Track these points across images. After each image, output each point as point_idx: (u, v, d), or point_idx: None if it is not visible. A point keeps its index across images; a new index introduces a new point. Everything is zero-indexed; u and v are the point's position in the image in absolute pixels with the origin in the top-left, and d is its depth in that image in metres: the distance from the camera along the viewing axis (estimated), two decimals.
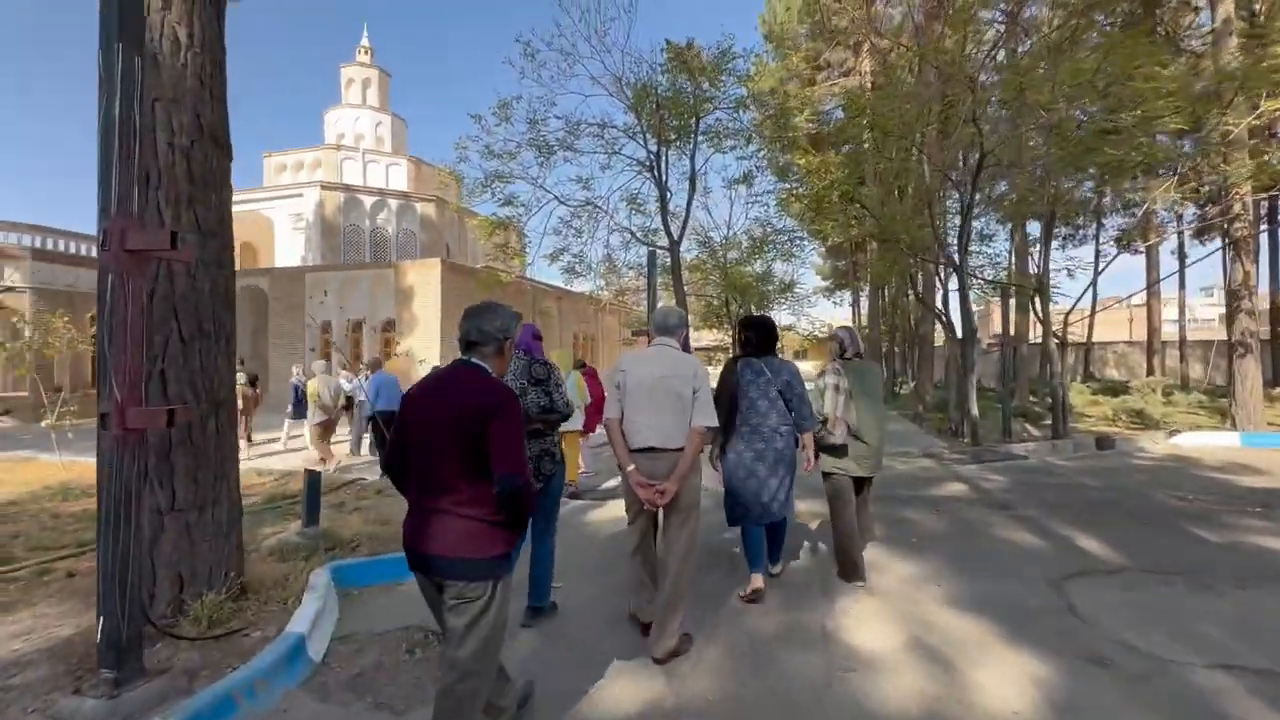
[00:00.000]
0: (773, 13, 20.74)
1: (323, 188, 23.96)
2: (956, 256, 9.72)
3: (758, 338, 3.44)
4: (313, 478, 4.30)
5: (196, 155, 3.12)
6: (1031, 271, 13.89)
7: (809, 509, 5.42)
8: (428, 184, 26.59)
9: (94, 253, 18.47)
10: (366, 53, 30.91)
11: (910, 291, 15.83)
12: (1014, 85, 7.92)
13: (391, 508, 5.15)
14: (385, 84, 30.81)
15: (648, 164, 13.78)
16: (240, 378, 10.82)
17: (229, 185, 3.41)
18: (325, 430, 8.19)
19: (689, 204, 13.78)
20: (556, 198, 14.21)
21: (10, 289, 16.20)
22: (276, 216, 24.77)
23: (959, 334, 10.15)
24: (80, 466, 7.41)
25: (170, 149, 3.02)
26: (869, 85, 16.51)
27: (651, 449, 2.79)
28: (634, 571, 3.04)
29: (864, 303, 31.70)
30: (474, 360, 1.92)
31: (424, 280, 17.39)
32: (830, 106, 17.50)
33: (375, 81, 30.17)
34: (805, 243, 17.39)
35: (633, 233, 14.40)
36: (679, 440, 2.77)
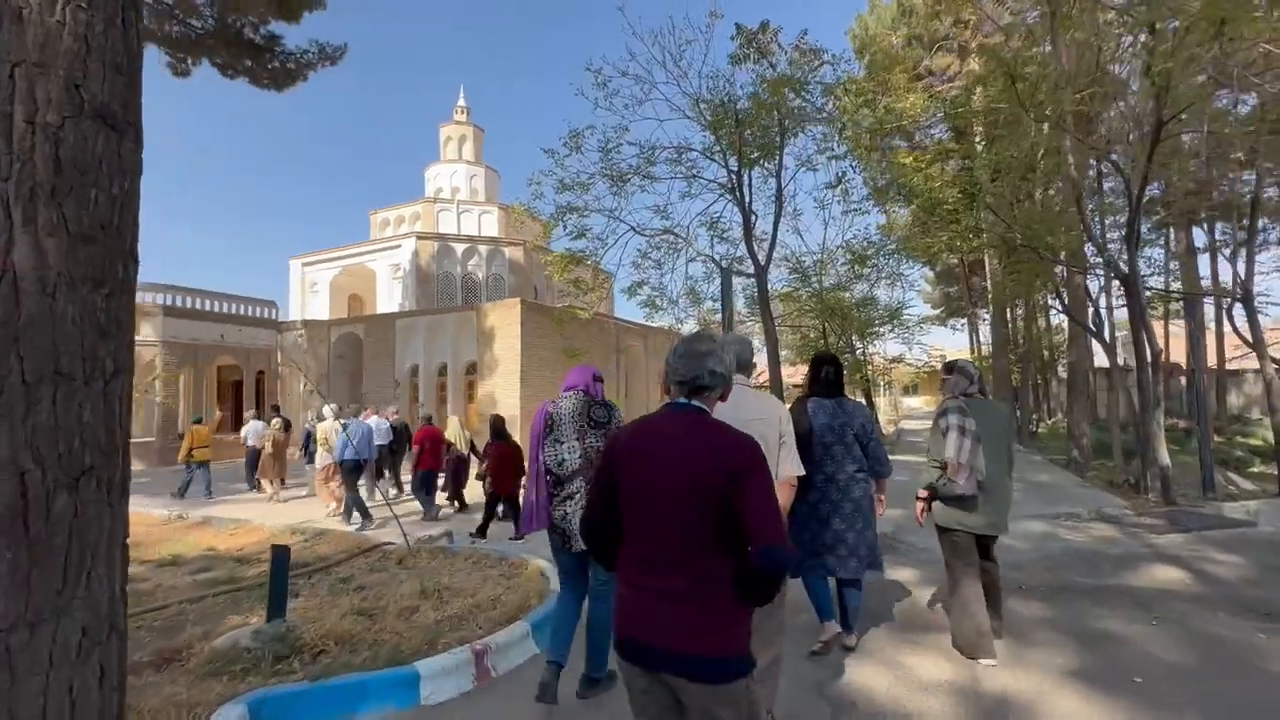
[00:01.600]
0: (864, 26, 19.38)
1: (418, 238, 24.97)
2: (1124, 262, 7.64)
3: (836, 374, 3.24)
4: (280, 555, 3.39)
5: (69, 137, 2.34)
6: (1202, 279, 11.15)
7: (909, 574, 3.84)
8: (517, 230, 27.14)
9: (215, 307, 20.06)
10: (463, 112, 32.72)
11: (1051, 309, 13.34)
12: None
13: (399, 587, 4.17)
14: (480, 139, 32.36)
15: (729, 185, 12.73)
16: (275, 423, 10.55)
17: (131, 176, 2.62)
18: (331, 475, 7.85)
19: (775, 225, 12.48)
20: (633, 228, 13.46)
21: None
22: (378, 268, 26.11)
23: (1120, 359, 7.99)
24: None
25: (29, 128, 2.26)
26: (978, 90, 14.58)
27: None
28: None
29: (984, 329, 28.39)
30: (697, 404, 1.61)
31: (504, 321, 17.15)
32: (932, 121, 15.66)
33: (470, 137, 31.74)
34: (910, 263, 15.46)
35: (715, 260, 13.24)
36: None
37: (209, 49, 15.54)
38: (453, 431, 8.03)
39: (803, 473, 2.57)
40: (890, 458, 3.44)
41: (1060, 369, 25.49)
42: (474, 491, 8.44)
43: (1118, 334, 17.54)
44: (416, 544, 5.47)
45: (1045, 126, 7.63)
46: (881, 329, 15.78)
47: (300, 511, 8.68)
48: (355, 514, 7.40)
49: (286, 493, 9.74)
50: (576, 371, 3.17)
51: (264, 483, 9.74)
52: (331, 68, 16.87)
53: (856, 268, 13.33)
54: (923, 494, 3.24)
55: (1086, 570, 4.80)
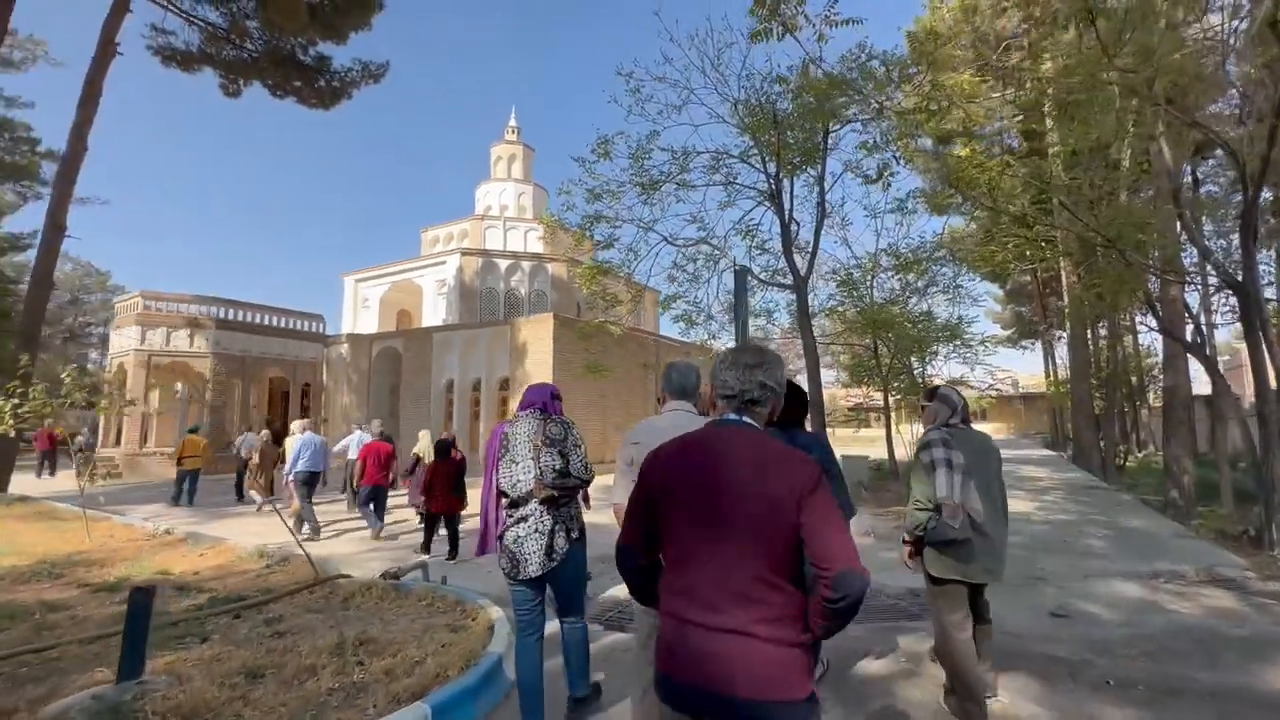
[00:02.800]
0: (923, 28, 18.20)
1: (462, 253, 25.14)
2: (1236, 267, 6.30)
3: (791, 402, 2.84)
4: (139, 602, 2.77)
5: None
6: None
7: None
8: (558, 245, 27.00)
9: (265, 320, 20.60)
10: (513, 132, 33.22)
11: (1141, 327, 11.69)
12: None
13: (319, 637, 3.50)
14: (529, 158, 32.72)
15: (768, 192, 11.86)
16: (263, 435, 10.45)
17: None
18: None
19: (817, 233, 11.50)
20: (665, 238, 12.75)
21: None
22: (425, 284, 26.45)
23: (1221, 383, 6.55)
24: (105, 532, 6.90)
25: None
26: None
27: None
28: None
29: (1061, 351, 25.99)
30: (749, 420, 1.46)
31: (537, 336, 16.74)
32: (998, 126, 14.27)
33: (520, 156, 32.13)
34: (970, 274, 14.04)
35: (751, 272, 12.32)
36: None
37: (260, 71, 16.09)
38: (421, 446, 7.74)
39: None
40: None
41: (1152, 395, 22.91)
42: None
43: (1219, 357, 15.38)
44: (386, 574, 4.83)
45: (1134, 101, 6.39)
46: (939, 348, 14.35)
47: (283, 529, 8.34)
48: (305, 526, 7.58)
49: (282, 507, 9.43)
50: (534, 389, 3.06)
51: (254, 493, 9.61)
52: (375, 85, 17.25)
53: (904, 275, 12.09)
54: (909, 539, 2.97)
55: (1204, 660, 3.62)
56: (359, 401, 20.81)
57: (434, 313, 25.58)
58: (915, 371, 15.06)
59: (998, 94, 8.83)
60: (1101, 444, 17.35)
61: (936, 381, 16.22)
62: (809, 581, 1.33)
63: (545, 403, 2.97)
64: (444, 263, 25.79)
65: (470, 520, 7.52)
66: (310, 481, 7.88)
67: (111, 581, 4.86)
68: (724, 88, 11.50)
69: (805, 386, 12.48)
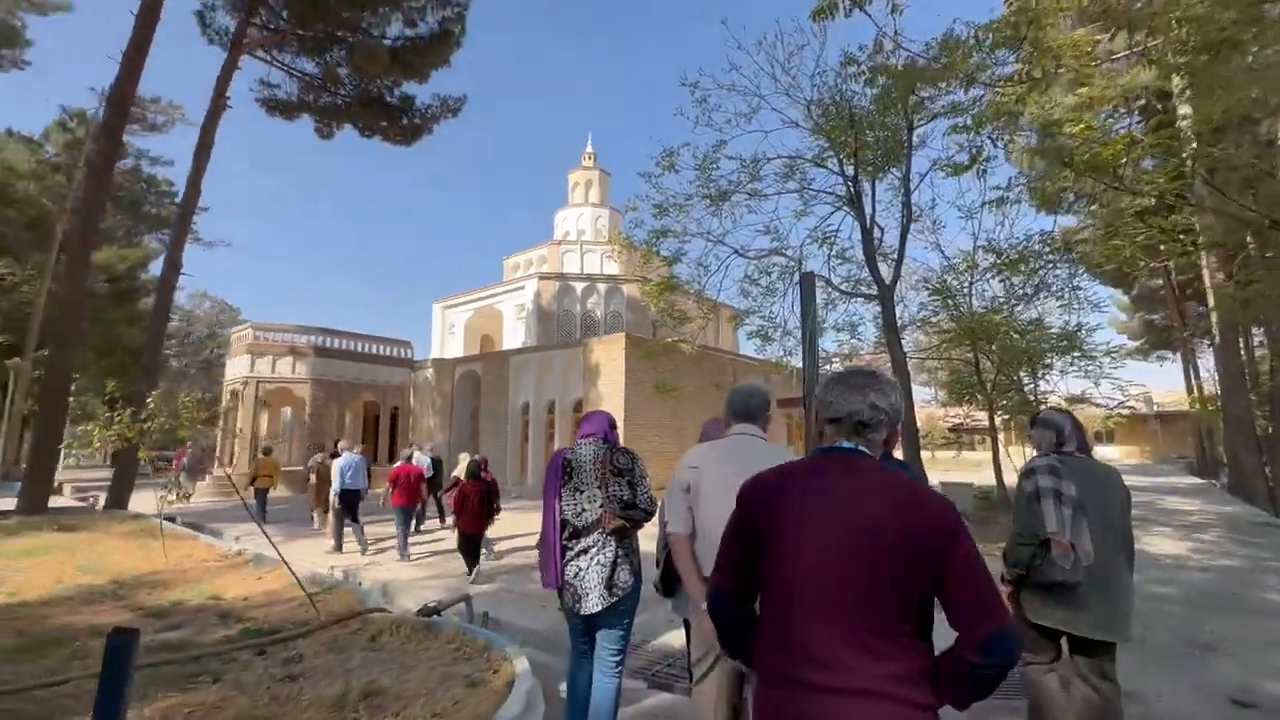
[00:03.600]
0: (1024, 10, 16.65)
1: (540, 278, 25.63)
2: None
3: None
4: (117, 648, 2.53)
5: None
6: None
7: None
8: (634, 266, 26.98)
9: (358, 347, 21.78)
10: (590, 158, 33.91)
11: None
12: None
13: (326, 685, 3.19)
14: (605, 182, 33.18)
15: (846, 196, 11.02)
16: (318, 456, 10.76)
17: None
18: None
19: (903, 237, 10.49)
20: (735, 250, 12.16)
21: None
22: (505, 309, 27.21)
23: None
24: (181, 550, 7.12)
25: None
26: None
27: None
28: None
29: (1206, 362, 22.58)
30: (862, 449, 1.30)
31: (609, 357, 16.51)
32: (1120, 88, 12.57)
33: (596, 181, 32.65)
34: (1087, 275, 12.38)
35: (829, 281, 11.46)
36: None
37: (350, 114, 17.20)
38: (462, 469, 7.79)
39: None
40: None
41: None
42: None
43: None
44: (425, 609, 4.55)
45: None
46: (1055, 360, 12.70)
47: (346, 551, 8.54)
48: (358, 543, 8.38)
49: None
50: (594, 417, 3.03)
51: (315, 514, 9.92)
52: (453, 118, 17.98)
53: (1008, 275, 10.74)
54: (1008, 580, 2.57)
55: None
56: (442, 424, 21.47)
57: (514, 337, 26.18)
58: (1026, 388, 13.41)
59: (1120, 54, 7.58)
60: (1268, 470, 14.66)
61: (1053, 399, 14.40)
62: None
63: (606, 431, 2.93)
64: (522, 288, 26.43)
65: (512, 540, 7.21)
66: (353, 501, 8.31)
67: (165, 605, 4.86)
68: (796, 91, 10.90)
69: None
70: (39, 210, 24.59)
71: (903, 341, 10.59)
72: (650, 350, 13.66)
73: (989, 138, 8.36)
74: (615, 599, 2.64)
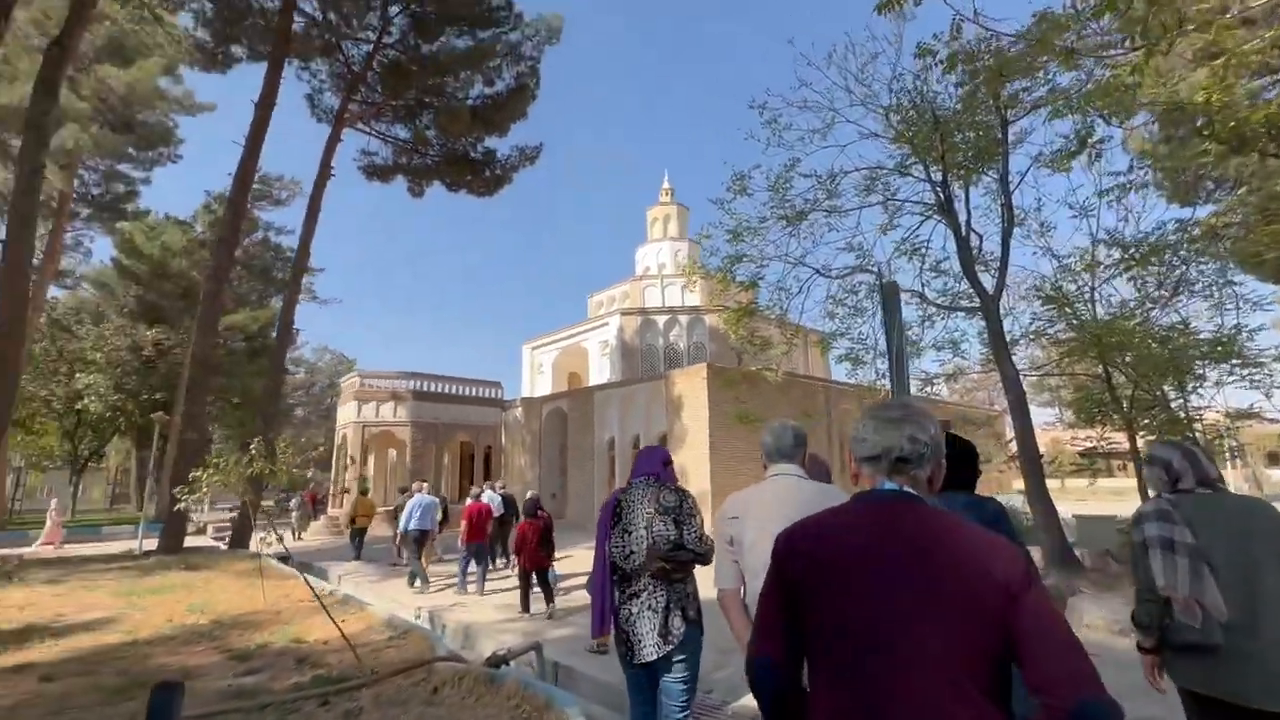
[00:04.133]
0: None
1: (622, 314, 25.88)
2: None
3: (959, 463, 2.05)
4: (159, 704, 2.49)
5: None
6: None
7: None
8: (715, 295, 26.68)
9: (452, 390, 22.79)
10: (667, 194, 34.38)
11: None
12: None
13: None
14: (684, 216, 33.41)
15: (936, 204, 10.20)
16: (402, 498, 10.89)
17: None
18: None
19: (1005, 242, 9.47)
20: (817, 270, 11.55)
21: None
22: (590, 346, 27.66)
23: None
24: (280, 590, 7.40)
25: None
26: None
27: None
28: None
29: None
30: (907, 490, 1.17)
31: (691, 388, 16.14)
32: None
33: (674, 216, 32.97)
34: (1240, 270, 10.62)
35: (923, 295, 10.56)
36: None
37: (439, 172, 18.40)
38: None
39: None
40: None
41: None
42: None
43: None
44: (493, 657, 4.37)
45: None
46: (1207, 370, 10.94)
47: (427, 594, 8.71)
48: (418, 580, 8.85)
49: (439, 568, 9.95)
50: (645, 455, 2.91)
51: (399, 552, 10.32)
52: (531, 166, 18.78)
53: (1139, 272, 9.39)
54: (1145, 644, 2.22)
55: None
56: (532, 461, 21.86)
57: (599, 373, 26.48)
58: (1173, 403, 11.61)
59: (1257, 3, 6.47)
60: None
61: (1210, 416, 12.37)
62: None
63: (658, 470, 2.81)
64: (606, 324, 26.79)
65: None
66: (420, 539, 8.90)
67: (251, 648, 4.98)
68: (872, 101, 10.36)
69: (1010, 426, 10.16)
70: (189, 283, 28.15)
71: (1014, 358, 9.47)
72: (729, 379, 13.19)
73: (1100, 116, 7.38)
74: (671, 646, 2.48)
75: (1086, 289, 11.11)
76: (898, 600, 1.03)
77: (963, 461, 2.25)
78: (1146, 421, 11.30)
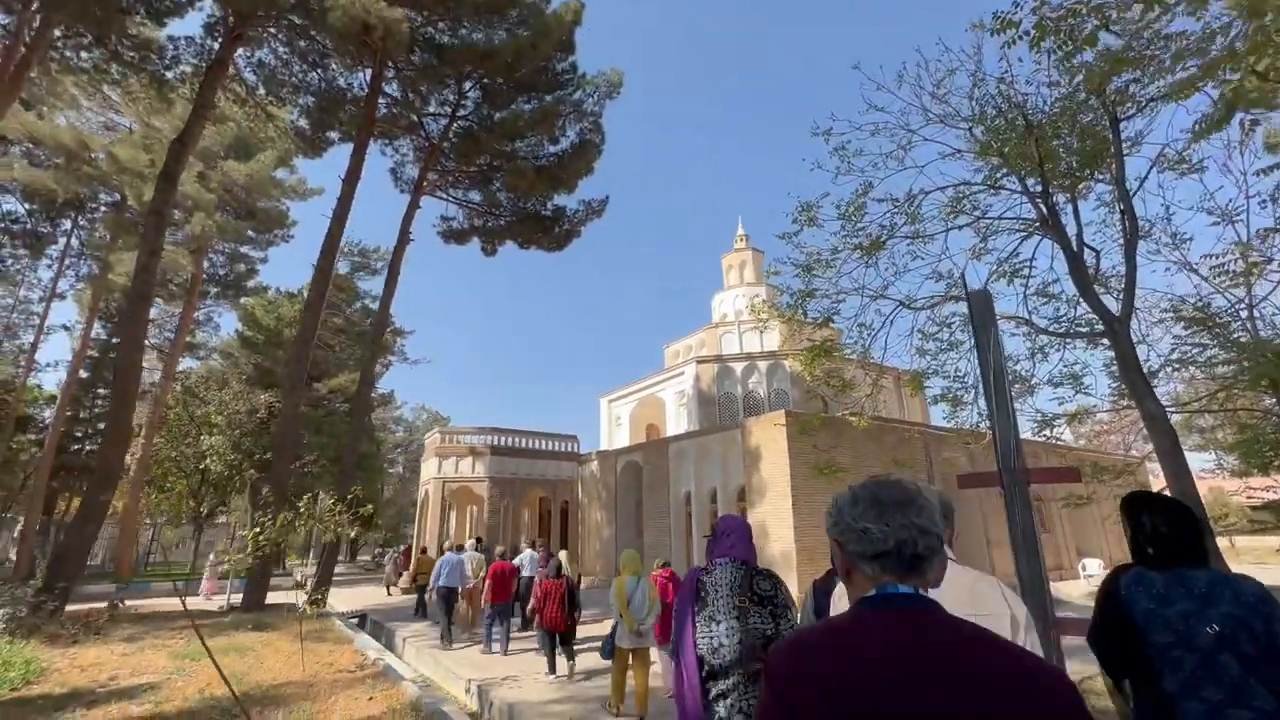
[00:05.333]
0: None
1: (698, 362, 25.20)
2: None
3: (1173, 528, 1.88)
4: None
5: None
6: None
7: None
8: (791, 339, 25.51)
9: (528, 444, 22.75)
10: (742, 240, 34.03)
11: None
12: None
13: None
14: (759, 261, 32.76)
15: (1039, 218, 8.95)
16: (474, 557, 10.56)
17: None
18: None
19: (1130, 255, 8.02)
20: (901, 303, 10.41)
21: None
22: (667, 396, 27.04)
23: None
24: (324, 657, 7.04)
25: None
26: None
27: None
28: None
29: None
30: (927, 597, 1.00)
31: (770, 437, 15.00)
32: None
33: (750, 261, 32.43)
34: None
35: (1029, 322, 9.17)
36: None
37: (511, 231, 18.96)
38: (562, 562, 7.88)
39: None
40: None
41: None
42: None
43: None
44: None
45: None
46: None
47: (470, 662, 8.16)
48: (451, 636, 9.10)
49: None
50: (731, 530, 2.57)
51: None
52: (598, 219, 18.94)
53: None
54: None
55: None
56: (609, 517, 21.15)
57: (676, 424, 25.70)
58: None
59: None
60: None
61: None
62: None
63: (747, 550, 2.50)
64: (682, 373, 26.17)
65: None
66: (448, 597, 9.12)
67: None
68: (953, 118, 9.45)
69: (1160, 475, 8.40)
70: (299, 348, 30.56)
71: (1153, 388, 7.84)
72: (806, 425, 12.04)
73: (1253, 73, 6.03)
74: None
75: (1241, 306, 9.28)
76: None
77: (1185, 528, 1.86)
78: None
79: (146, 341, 31.16)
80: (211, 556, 16.30)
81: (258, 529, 6.45)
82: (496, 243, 18.87)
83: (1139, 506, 2.00)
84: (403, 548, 20.84)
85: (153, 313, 30.37)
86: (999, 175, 9.11)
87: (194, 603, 13.71)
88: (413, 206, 16.61)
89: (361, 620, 13.25)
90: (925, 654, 0.88)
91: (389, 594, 17.17)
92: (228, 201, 23.88)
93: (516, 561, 9.96)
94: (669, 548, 17.64)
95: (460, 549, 10.26)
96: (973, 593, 1.53)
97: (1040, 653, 1.51)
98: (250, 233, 26.40)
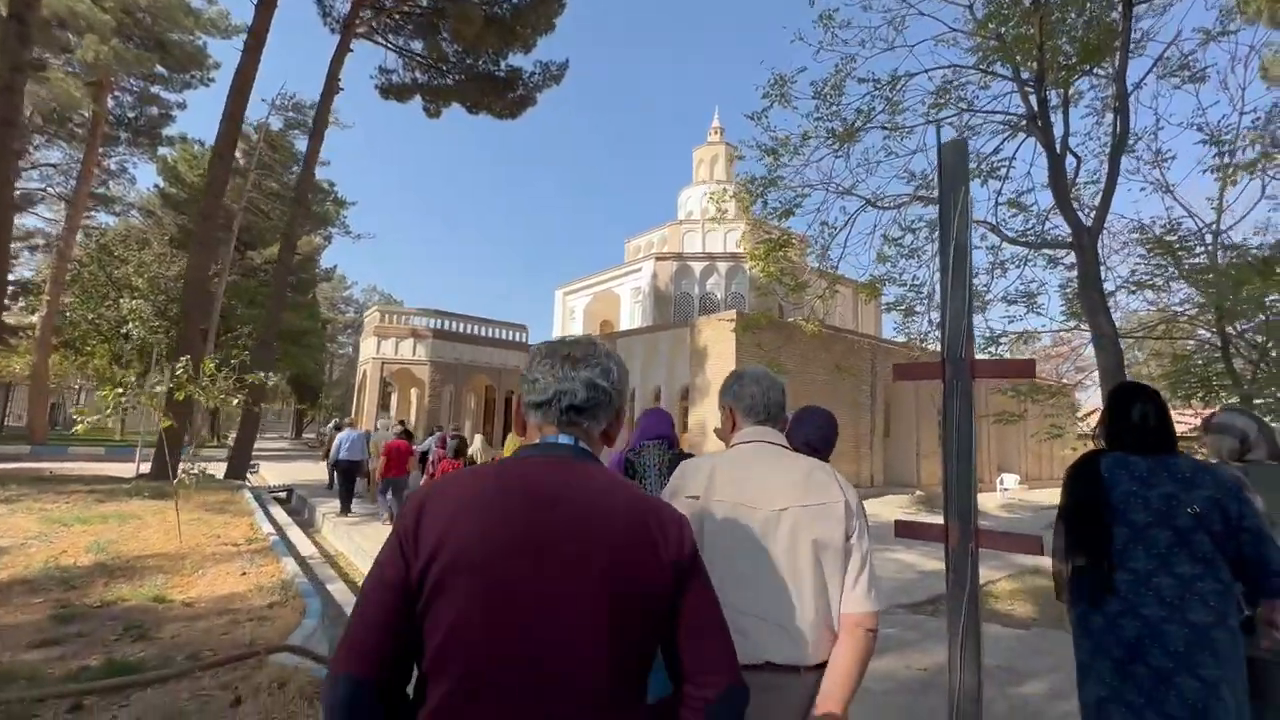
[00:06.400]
0: None
1: (656, 258, 24.29)
2: None
3: (1158, 418, 2.07)
4: None
5: None
6: None
7: None
8: (749, 236, 24.72)
9: (474, 330, 21.95)
10: (716, 133, 31.93)
11: None
12: None
13: None
14: (732, 157, 31.06)
15: (1026, 114, 8.17)
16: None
17: None
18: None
19: (1114, 160, 7.39)
20: (868, 201, 9.70)
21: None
22: (623, 292, 26.26)
23: None
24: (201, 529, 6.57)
25: None
26: None
27: (769, 667, 1.32)
28: None
29: None
30: (583, 447, 0.99)
31: (719, 337, 14.62)
32: None
33: (722, 156, 30.61)
34: None
35: (996, 229, 8.65)
36: (819, 648, 1.34)
37: (459, 92, 16.96)
38: (475, 448, 8.49)
39: (878, 609, 1.37)
40: None
41: None
42: None
43: None
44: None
45: None
46: None
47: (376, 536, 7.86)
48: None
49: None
50: (655, 417, 2.74)
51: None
52: (557, 87, 17.09)
53: None
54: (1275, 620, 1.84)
55: None
56: None
57: (630, 321, 25.15)
58: None
59: None
60: None
61: None
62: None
63: (670, 434, 2.67)
64: (640, 269, 25.29)
65: None
66: (349, 471, 9.21)
67: (96, 604, 4.04)
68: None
69: (1086, 404, 8.35)
70: (229, 213, 28.01)
71: (1109, 307, 7.56)
72: (752, 322, 11.60)
73: None
74: None
75: (1209, 230, 8.97)
76: (560, 582, 0.83)
77: (1163, 419, 2.05)
78: (1266, 401, 9.22)
79: (48, 189, 27.95)
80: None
81: (120, 389, 5.68)
82: (442, 103, 16.87)
83: (1131, 397, 2.11)
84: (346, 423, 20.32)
85: (54, 156, 27.03)
86: (992, 60, 8.16)
87: (126, 470, 12.95)
88: (342, 49, 14.45)
89: (288, 494, 12.87)
90: (554, 478, 0.90)
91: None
92: (130, 28, 20.56)
93: (425, 446, 9.84)
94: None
95: (353, 426, 10.26)
96: (808, 480, 1.44)
97: (867, 538, 1.42)
98: (161, 69, 23.09)
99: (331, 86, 14.31)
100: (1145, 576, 1.89)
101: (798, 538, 1.35)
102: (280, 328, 28.66)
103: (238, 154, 30.24)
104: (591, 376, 0.99)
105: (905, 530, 2.59)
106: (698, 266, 24.31)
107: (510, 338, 22.64)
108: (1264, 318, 8.13)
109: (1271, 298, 9.05)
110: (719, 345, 14.50)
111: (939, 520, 2.27)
